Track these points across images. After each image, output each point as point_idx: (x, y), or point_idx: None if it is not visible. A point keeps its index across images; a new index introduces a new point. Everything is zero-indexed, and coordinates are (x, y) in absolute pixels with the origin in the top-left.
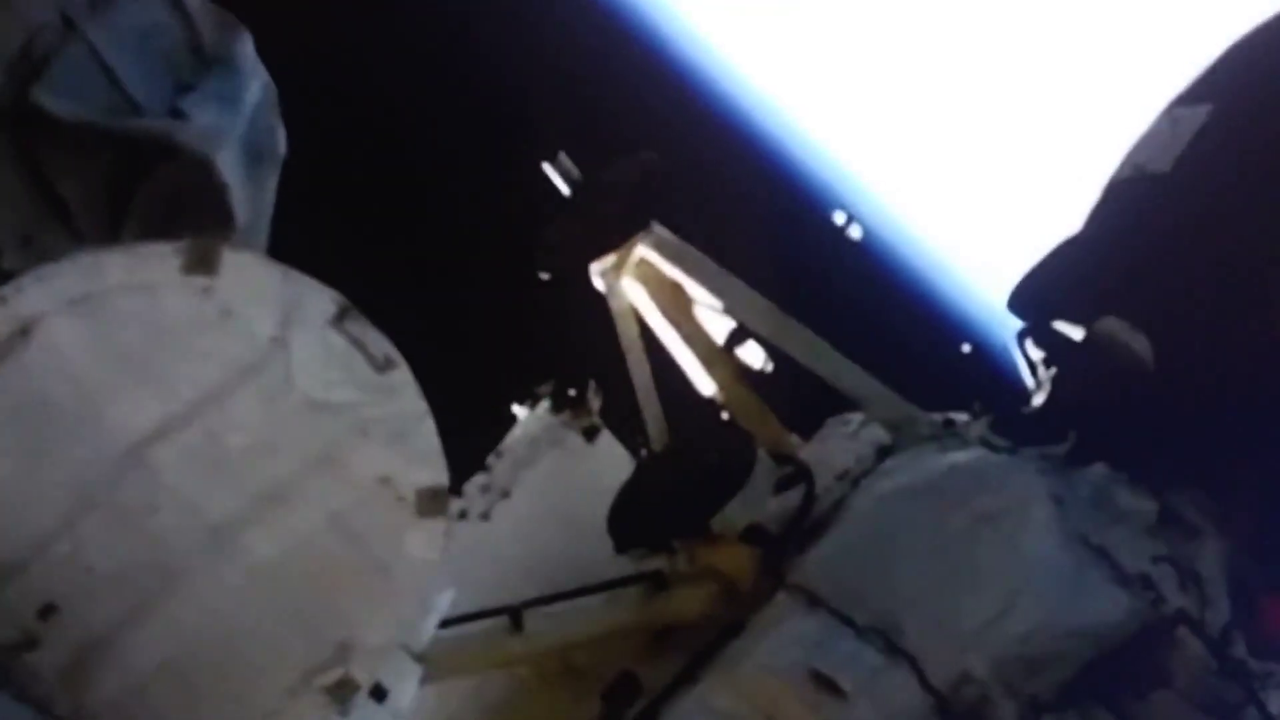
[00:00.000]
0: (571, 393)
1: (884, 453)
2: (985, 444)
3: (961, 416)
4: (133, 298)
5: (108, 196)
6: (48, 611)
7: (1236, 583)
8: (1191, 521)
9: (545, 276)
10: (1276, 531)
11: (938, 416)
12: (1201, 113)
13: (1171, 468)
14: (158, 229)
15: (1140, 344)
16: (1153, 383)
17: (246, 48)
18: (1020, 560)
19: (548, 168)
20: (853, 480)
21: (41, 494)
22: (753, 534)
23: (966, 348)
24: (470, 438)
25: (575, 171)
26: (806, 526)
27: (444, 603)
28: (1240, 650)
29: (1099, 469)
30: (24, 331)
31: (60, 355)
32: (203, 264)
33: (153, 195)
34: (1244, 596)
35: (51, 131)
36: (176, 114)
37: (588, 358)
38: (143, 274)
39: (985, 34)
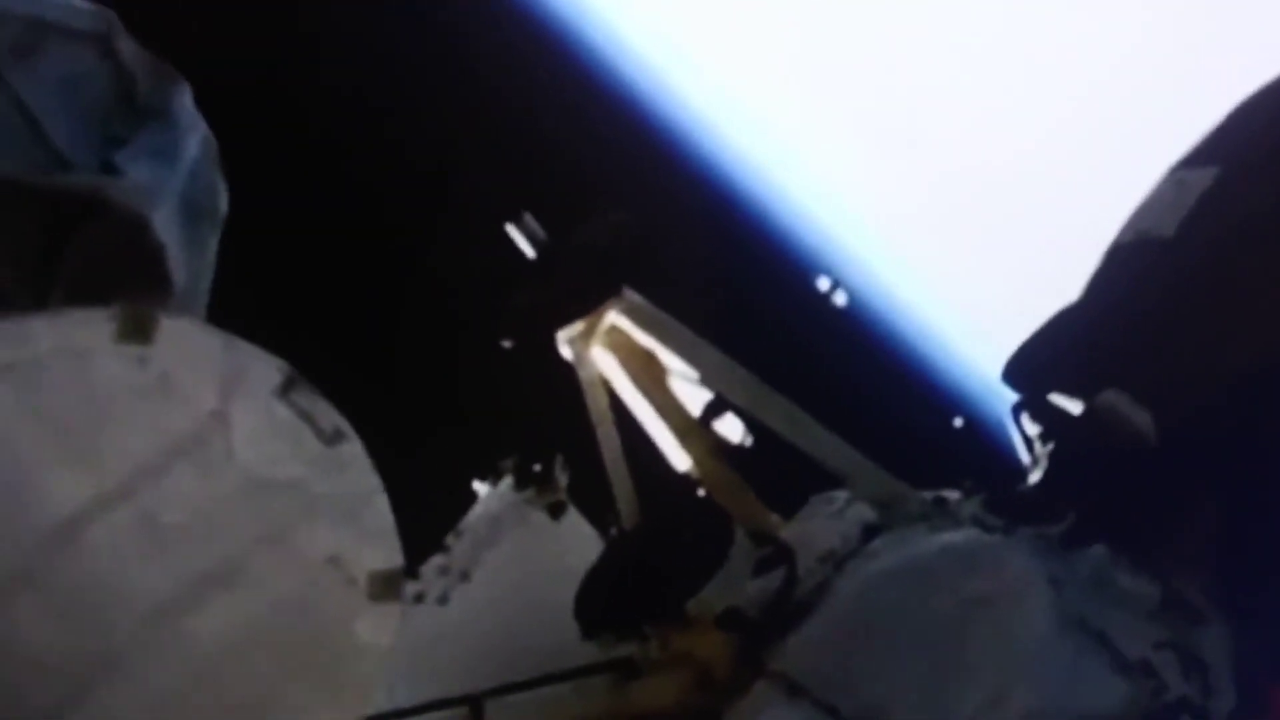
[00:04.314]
0: (536, 468)
1: (870, 533)
2: (978, 523)
3: (953, 494)
4: (63, 366)
5: (34, 258)
6: None
7: (1241, 670)
8: (1195, 605)
9: (508, 344)
10: None
11: (928, 494)
12: (1208, 175)
13: (1174, 550)
14: (89, 293)
15: (1142, 419)
16: (1155, 460)
17: (184, 99)
18: (1015, 646)
19: (511, 229)
20: (837, 562)
21: None
22: (730, 619)
23: (959, 422)
24: (427, 516)
25: (541, 233)
26: (788, 611)
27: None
28: None
29: (1098, 550)
30: None
31: None
32: (138, 331)
33: (83, 256)
34: (1249, 684)
35: None
36: (108, 169)
37: (554, 431)
38: (74, 341)
39: (980, 93)
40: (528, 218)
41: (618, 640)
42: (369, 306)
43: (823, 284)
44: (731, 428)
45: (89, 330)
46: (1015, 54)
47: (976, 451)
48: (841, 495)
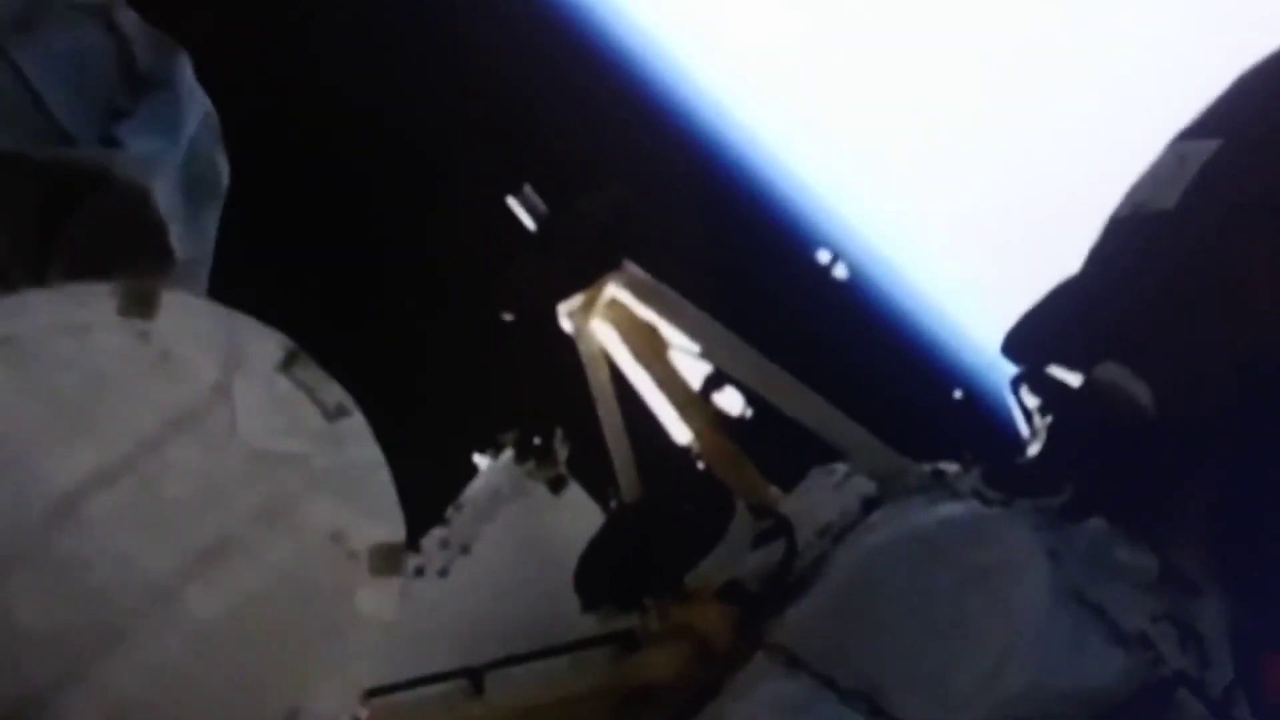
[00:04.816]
0: (536, 441)
1: (870, 505)
2: (977, 496)
3: (952, 467)
4: (63, 340)
5: (33, 231)
6: None
7: (1239, 642)
8: (1192, 578)
9: (508, 318)
10: None
11: (927, 467)
12: (1210, 147)
13: (1173, 522)
14: (88, 266)
15: (1141, 391)
16: (1154, 432)
17: (185, 71)
18: (1012, 618)
19: (512, 201)
20: (836, 535)
21: None
22: (729, 591)
23: (958, 394)
24: (428, 489)
25: (541, 205)
26: (787, 583)
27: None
28: (1243, 711)
29: (1096, 523)
30: None
31: None
32: (139, 305)
33: (83, 230)
34: (1246, 656)
35: None
36: (109, 142)
37: (554, 404)
38: (74, 316)
39: (980, 63)
40: (528, 190)
41: (618, 613)
42: (370, 280)
43: (823, 257)
44: (731, 401)
45: (89, 304)
46: (1007, 23)
47: (975, 424)
48: (841, 468)
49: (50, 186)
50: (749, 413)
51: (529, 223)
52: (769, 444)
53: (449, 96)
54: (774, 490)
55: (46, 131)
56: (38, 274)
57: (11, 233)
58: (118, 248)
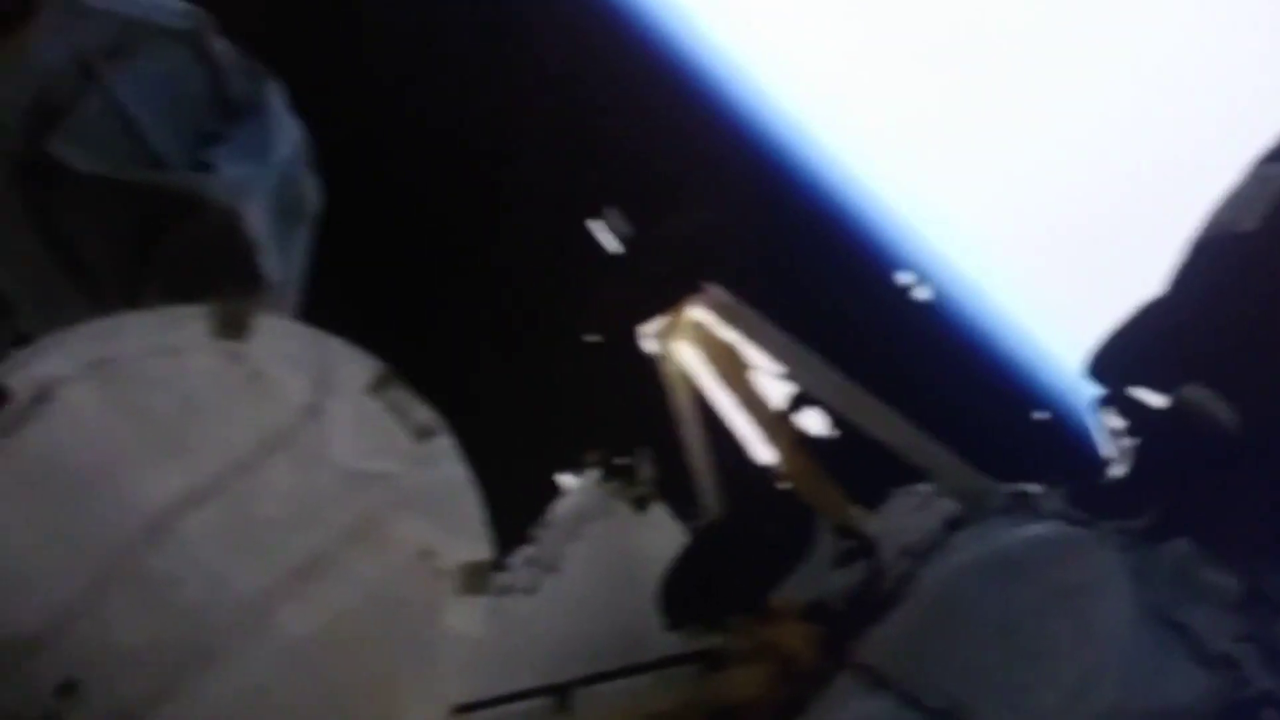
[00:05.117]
0: (621, 461)
1: (953, 526)
2: (1061, 517)
3: (1036, 488)
4: (157, 362)
5: (128, 254)
6: (68, 689)
7: None
8: (1277, 599)
9: (593, 339)
10: None
11: (1011, 488)
12: None
13: (1257, 543)
14: (181, 288)
15: (1226, 413)
16: (1238, 454)
17: (276, 97)
18: (1097, 638)
19: (598, 224)
20: (920, 555)
21: (62, 565)
22: (814, 611)
23: (1042, 416)
24: (514, 508)
25: (626, 229)
26: (871, 603)
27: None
28: None
29: (1181, 544)
30: (43, 396)
31: (82, 421)
32: (232, 328)
33: (176, 253)
34: None
35: (69, 185)
36: (202, 166)
37: (638, 424)
38: (168, 338)
39: (1065, 88)
40: (612, 213)
41: (702, 631)
42: (456, 303)
43: (905, 278)
44: (814, 421)
45: (183, 327)
46: (1101, 47)
47: (1059, 446)
48: (924, 489)
49: (144, 210)
50: (831, 433)
51: (613, 246)
52: (852, 465)
53: (533, 121)
54: (857, 511)
55: (140, 156)
56: (132, 296)
57: (109, 255)
58: (210, 270)
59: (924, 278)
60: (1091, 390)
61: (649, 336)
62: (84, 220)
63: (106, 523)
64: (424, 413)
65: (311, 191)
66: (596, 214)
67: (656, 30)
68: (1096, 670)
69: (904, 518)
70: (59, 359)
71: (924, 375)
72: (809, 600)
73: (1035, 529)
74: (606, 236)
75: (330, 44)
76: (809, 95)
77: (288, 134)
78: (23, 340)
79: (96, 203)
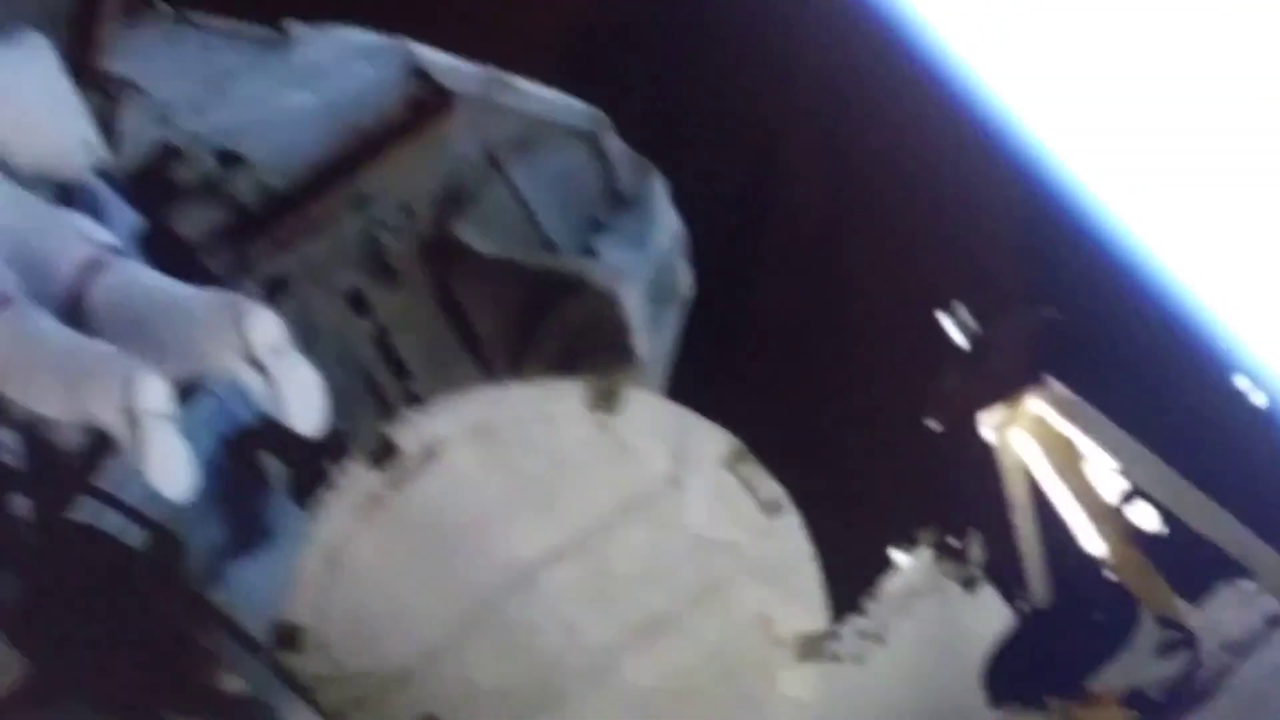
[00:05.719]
0: (954, 542)
1: (1275, 623)
2: None
3: None
4: (534, 428)
5: (516, 328)
6: None
7: None
8: None
9: (934, 425)
10: None
11: None
12: None
13: None
14: (556, 361)
15: None
16: None
17: (660, 190)
18: None
19: (943, 317)
20: (1240, 650)
21: (434, 608)
22: (1133, 698)
23: None
24: (848, 578)
25: (971, 322)
26: (1189, 694)
27: None
28: None
29: None
30: (430, 454)
31: (462, 478)
32: (604, 400)
33: (558, 328)
34: None
35: (469, 264)
36: (588, 252)
37: (972, 508)
38: (546, 406)
39: None
40: (959, 307)
41: (1023, 710)
42: (805, 385)
43: (1241, 382)
44: (1144, 515)
45: (561, 397)
46: None
47: None
48: (1248, 585)
49: (533, 289)
50: (1161, 528)
51: (957, 337)
52: (1179, 558)
53: (891, 218)
54: (1181, 603)
55: (534, 240)
56: (516, 366)
57: (497, 328)
58: (588, 346)
59: (1259, 384)
60: None
61: (987, 426)
62: (479, 296)
63: (477, 572)
64: (773, 488)
65: (684, 278)
66: (944, 306)
67: (1006, 136)
68: None
69: (1226, 612)
70: (447, 421)
71: (1255, 477)
72: (1128, 687)
73: None
74: (952, 328)
75: (719, 144)
76: (1152, 205)
77: (667, 224)
78: (415, 400)
79: (492, 281)
